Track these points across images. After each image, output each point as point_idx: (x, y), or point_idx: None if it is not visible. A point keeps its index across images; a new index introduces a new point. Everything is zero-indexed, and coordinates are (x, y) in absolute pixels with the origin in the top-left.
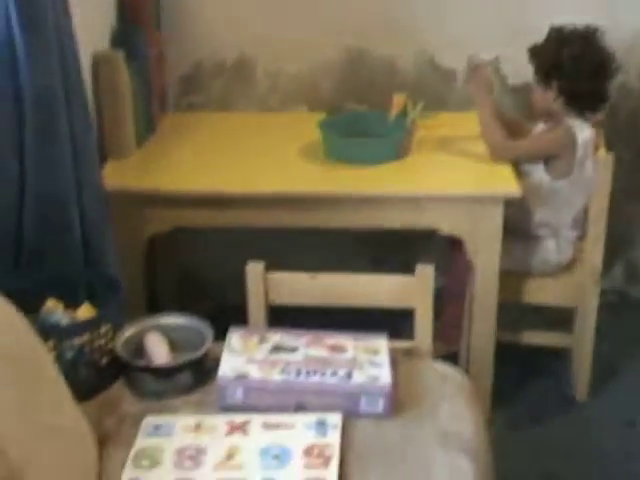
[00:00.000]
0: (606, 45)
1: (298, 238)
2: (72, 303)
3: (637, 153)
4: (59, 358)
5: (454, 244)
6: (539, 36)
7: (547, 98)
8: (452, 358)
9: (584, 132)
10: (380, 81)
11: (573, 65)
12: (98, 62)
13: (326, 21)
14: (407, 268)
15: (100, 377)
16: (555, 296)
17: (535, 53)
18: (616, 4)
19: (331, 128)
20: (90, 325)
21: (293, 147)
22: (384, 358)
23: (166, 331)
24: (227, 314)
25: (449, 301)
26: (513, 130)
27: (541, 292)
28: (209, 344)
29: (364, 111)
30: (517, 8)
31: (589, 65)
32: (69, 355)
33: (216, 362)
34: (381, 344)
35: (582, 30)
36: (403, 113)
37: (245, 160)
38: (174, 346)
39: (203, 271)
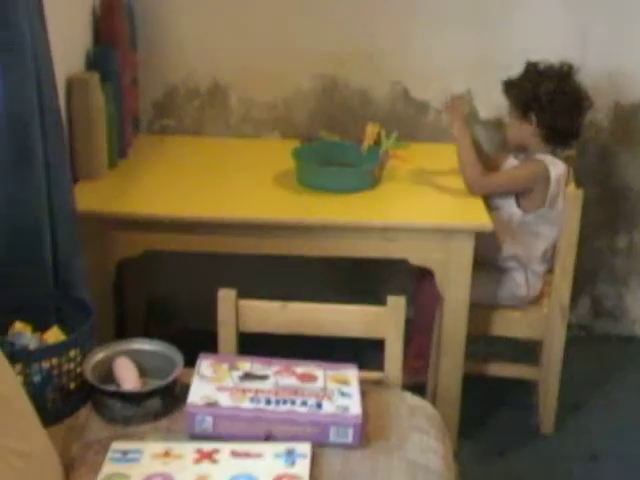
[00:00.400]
0: (580, 82)
1: (269, 264)
2: (41, 326)
3: (605, 189)
4: (27, 381)
5: (423, 274)
6: (512, 70)
7: (523, 132)
8: (419, 389)
9: (557, 167)
10: (354, 111)
11: (551, 100)
12: (72, 84)
13: (301, 50)
14: (377, 295)
15: (68, 401)
16: (522, 329)
17: (512, 87)
18: (587, 43)
19: (304, 156)
20: (59, 349)
21: (265, 174)
22: (354, 388)
23: (136, 356)
24: (196, 339)
25: (416, 332)
26: (484, 163)
27: (509, 325)
28: (179, 370)
29: (337, 140)
30: (490, 42)
31: (566, 101)
32: (37, 379)
33: (186, 388)
34: (351, 374)
35: (559, 67)
36: (376, 143)
37: (217, 185)
38: (143, 372)
39: (172, 295)
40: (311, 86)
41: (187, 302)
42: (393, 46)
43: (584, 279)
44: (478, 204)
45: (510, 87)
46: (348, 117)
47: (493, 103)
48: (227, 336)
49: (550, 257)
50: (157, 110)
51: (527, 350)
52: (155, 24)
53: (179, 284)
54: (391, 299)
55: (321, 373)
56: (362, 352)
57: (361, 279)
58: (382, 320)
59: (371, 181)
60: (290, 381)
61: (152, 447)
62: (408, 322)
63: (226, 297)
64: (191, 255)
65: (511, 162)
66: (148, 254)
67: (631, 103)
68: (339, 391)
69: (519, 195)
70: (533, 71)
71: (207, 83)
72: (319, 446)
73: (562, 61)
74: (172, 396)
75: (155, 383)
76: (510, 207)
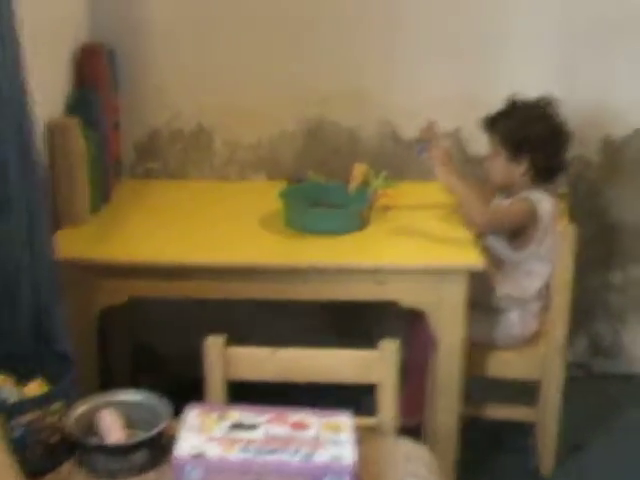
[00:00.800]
0: (559, 114)
1: (258, 309)
2: (23, 378)
3: (598, 225)
4: (7, 436)
5: (416, 316)
6: (500, 105)
7: (513, 172)
8: (415, 432)
9: (545, 203)
10: (341, 151)
11: (544, 142)
12: (53, 129)
13: (286, 90)
14: (370, 338)
15: (51, 456)
16: (519, 369)
17: (497, 126)
18: (575, 76)
19: (291, 198)
20: (40, 402)
21: (252, 216)
22: (348, 436)
23: (121, 408)
24: (184, 388)
25: (411, 374)
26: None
27: (505, 365)
28: (166, 422)
29: (324, 181)
30: (477, 78)
31: (557, 141)
32: (18, 433)
33: (173, 440)
34: (344, 421)
35: (541, 102)
36: (364, 183)
37: (202, 229)
38: (129, 423)
39: (159, 343)
40: (297, 126)
41: (175, 350)
42: (380, 84)
43: (580, 317)
44: (469, 243)
45: (495, 126)
46: (335, 157)
47: (483, 140)
48: (215, 385)
49: (545, 294)
50: (140, 154)
51: (525, 391)
52: (137, 66)
53: (166, 331)
54: (384, 343)
55: (313, 421)
56: (357, 396)
57: (352, 322)
58: (375, 365)
59: (360, 222)
60: (281, 430)
61: None
62: (402, 364)
63: (214, 344)
64: (178, 301)
65: (498, 202)
66: (133, 301)
67: (620, 137)
68: (332, 439)
69: (510, 234)
70: (519, 109)
71: (191, 126)
72: None
73: (542, 95)
74: (159, 448)
75: (141, 435)
76: (501, 246)
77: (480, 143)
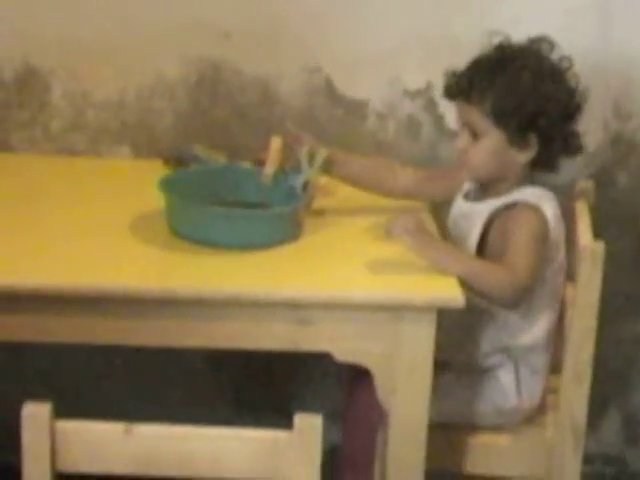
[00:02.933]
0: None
1: (111, 362)
2: None
3: (637, 245)
4: None
5: (357, 378)
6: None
7: (512, 161)
8: None
9: (550, 206)
10: (248, 115)
11: (561, 106)
12: None
13: (163, 19)
14: (288, 413)
15: None
16: (514, 463)
17: (484, 90)
18: (609, 15)
19: (178, 189)
20: None
21: (109, 215)
22: None
23: None
24: None
25: (346, 467)
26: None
27: (492, 457)
28: None
29: (223, 162)
30: (459, 13)
31: (575, 103)
32: None
33: None
34: None
35: (544, 46)
36: (284, 167)
37: (27, 232)
38: None
39: None
40: (180, 73)
41: None
42: (312, 14)
43: (611, 384)
44: None
45: (481, 90)
46: (239, 124)
47: None
48: (37, 476)
49: (554, 346)
50: None
51: None
52: None
53: None
54: (301, 418)
55: None
56: None
57: (262, 388)
58: (286, 452)
59: (287, 231)
60: None
61: None
62: (334, 452)
63: (35, 415)
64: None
65: (460, 205)
66: None
67: None
68: None
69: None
70: (517, 59)
71: (14, 67)
72: None
73: (538, 37)
74: None
75: None
76: None
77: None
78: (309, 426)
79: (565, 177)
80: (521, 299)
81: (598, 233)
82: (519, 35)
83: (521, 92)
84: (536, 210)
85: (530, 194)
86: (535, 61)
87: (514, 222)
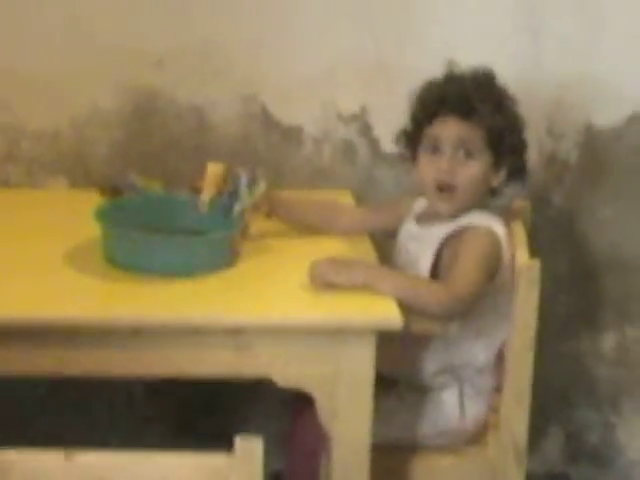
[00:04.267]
0: None
1: (51, 395)
2: None
3: (577, 262)
4: None
5: (299, 403)
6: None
7: (486, 184)
8: None
9: (500, 228)
10: (183, 142)
11: (522, 129)
12: None
13: (99, 46)
14: (227, 438)
15: None
16: None
17: (477, 115)
18: (542, 42)
19: (114, 218)
20: None
21: (47, 245)
22: None
23: None
24: None
25: None
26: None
27: (437, 478)
28: None
29: (160, 191)
30: (392, 38)
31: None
32: None
33: None
34: None
35: (490, 74)
36: (220, 192)
37: None
38: None
39: None
40: (115, 103)
41: None
42: (244, 40)
43: (553, 402)
44: None
45: (475, 114)
46: (175, 152)
47: (395, 126)
48: None
49: (498, 365)
50: None
51: None
52: None
53: None
54: (241, 442)
55: None
56: None
57: (205, 414)
58: (227, 476)
59: (226, 257)
60: None
61: None
62: (278, 478)
63: None
64: None
65: (410, 229)
66: None
67: (611, 125)
68: None
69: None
70: (485, 85)
71: None
72: None
73: (480, 66)
74: None
75: None
76: None
77: (393, 131)
78: (249, 449)
79: (502, 199)
80: (457, 311)
81: (535, 252)
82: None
83: (509, 117)
84: (488, 232)
85: (480, 217)
86: (503, 89)
87: (465, 244)
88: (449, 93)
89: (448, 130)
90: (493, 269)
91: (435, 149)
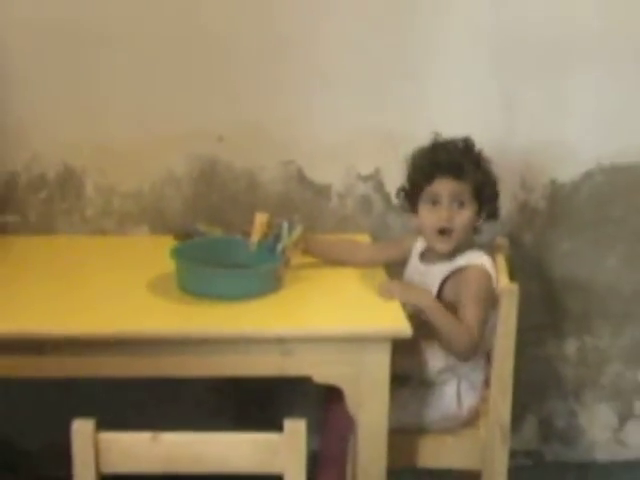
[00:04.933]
0: None
1: (140, 392)
2: None
3: (546, 285)
4: None
5: (333, 397)
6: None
7: (470, 226)
8: None
9: (489, 262)
10: (239, 198)
11: (494, 182)
12: None
13: (169, 125)
14: (275, 426)
15: None
16: (456, 458)
17: (466, 173)
18: (515, 111)
19: (185, 255)
20: None
21: (134, 278)
22: None
23: None
24: None
25: (324, 468)
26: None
27: (439, 453)
28: None
29: (220, 235)
30: (398, 114)
31: (495, 179)
32: None
33: None
34: None
35: (468, 140)
36: (266, 236)
37: (72, 294)
38: None
39: (16, 436)
40: (185, 169)
41: (37, 443)
42: (283, 117)
43: (529, 394)
44: (394, 307)
45: (464, 173)
46: (231, 206)
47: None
48: (84, 477)
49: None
50: None
51: None
52: None
53: (27, 421)
54: (289, 423)
55: None
56: None
57: (257, 407)
58: (278, 450)
59: (271, 284)
60: None
61: None
62: (315, 457)
63: (82, 429)
64: (41, 383)
65: (416, 265)
66: None
67: (571, 180)
68: None
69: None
70: (468, 150)
71: (55, 169)
72: None
73: (463, 136)
74: None
75: None
76: None
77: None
78: (296, 428)
79: (485, 237)
80: (473, 352)
81: (513, 278)
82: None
83: (487, 174)
84: (482, 270)
85: (474, 256)
86: (480, 152)
87: (466, 283)
88: (442, 159)
89: (445, 188)
90: (493, 300)
91: (435, 202)
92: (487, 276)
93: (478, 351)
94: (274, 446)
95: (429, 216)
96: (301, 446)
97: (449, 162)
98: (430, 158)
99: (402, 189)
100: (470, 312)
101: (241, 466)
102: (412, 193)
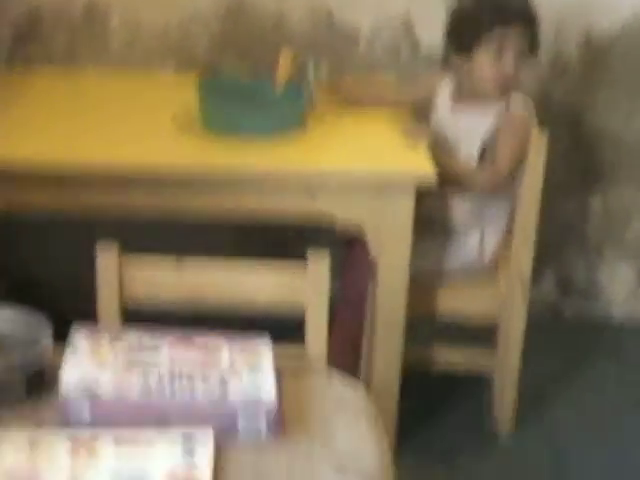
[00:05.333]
0: None
1: (163, 229)
2: None
3: (574, 138)
4: None
5: (354, 243)
6: None
7: (522, 72)
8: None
9: (531, 109)
10: (265, 38)
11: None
12: None
13: None
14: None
15: None
16: (475, 308)
17: (516, 13)
18: None
19: (211, 92)
20: None
21: (158, 114)
22: (267, 366)
23: None
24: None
25: (344, 314)
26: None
27: (458, 302)
28: (47, 343)
29: (247, 72)
30: None
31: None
32: None
33: (56, 368)
34: (263, 349)
35: None
36: (292, 73)
37: (97, 128)
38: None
39: (42, 269)
40: (212, 7)
41: (63, 277)
42: None
43: (550, 248)
44: (421, 152)
45: (530, 19)
46: (259, 45)
47: (436, 29)
48: (108, 301)
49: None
50: (18, 36)
51: (481, 335)
52: None
53: (54, 254)
54: (312, 255)
55: (226, 347)
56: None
57: (279, 251)
58: (301, 281)
59: (295, 123)
60: (188, 356)
61: (15, 437)
62: (333, 302)
63: (107, 251)
64: (66, 217)
65: (446, 106)
66: (9, 216)
67: (607, 33)
68: (249, 369)
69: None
70: None
71: (80, 3)
72: (225, 434)
73: None
74: (39, 376)
75: (15, 359)
76: (469, 158)
77: (434, 33)
78: (319, 259)
79: None
80: (500, 185)
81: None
82: None
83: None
84: (523, 121)
85: (521, 101)
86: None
87: (508, 127)
88: (516, 3)
89: (515, 36)
90: (526, 149)
91: (500, 50)
92: (527, 129)
93: (502, 184)
94: (298, 275)
95: (489, 68)
96: (324, 276)
97: (523, 8)
98: (490, 3)
99: (454, 33)
100: (502, 153)
101: (265, 296)
102: (470, 35)
